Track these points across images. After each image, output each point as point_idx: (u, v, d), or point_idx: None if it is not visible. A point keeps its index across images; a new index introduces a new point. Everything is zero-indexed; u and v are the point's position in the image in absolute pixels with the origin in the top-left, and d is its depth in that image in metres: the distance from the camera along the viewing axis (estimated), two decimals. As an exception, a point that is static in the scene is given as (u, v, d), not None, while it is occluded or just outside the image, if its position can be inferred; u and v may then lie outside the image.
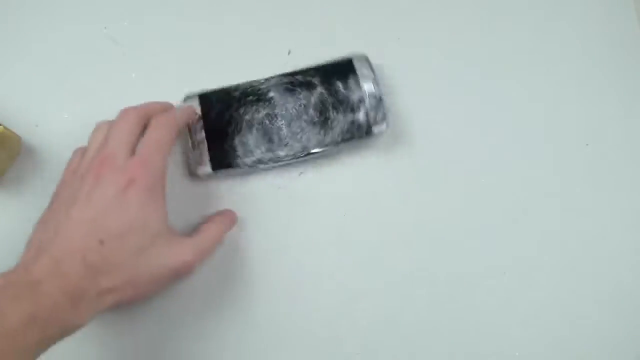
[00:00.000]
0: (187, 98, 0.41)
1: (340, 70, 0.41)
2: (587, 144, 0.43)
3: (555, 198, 0.41)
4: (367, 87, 0.40)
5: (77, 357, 0.37)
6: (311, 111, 0.40)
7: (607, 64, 0.44)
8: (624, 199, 0.41)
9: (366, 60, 0.41)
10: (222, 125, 0.40)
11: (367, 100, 0.40)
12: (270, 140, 0.40)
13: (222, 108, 0.40)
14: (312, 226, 0.40)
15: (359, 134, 0.39)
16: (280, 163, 0.40)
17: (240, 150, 0.40)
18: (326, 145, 0.39)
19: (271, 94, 0.40)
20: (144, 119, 0.36)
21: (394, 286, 0.39)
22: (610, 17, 0.45)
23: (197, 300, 0.39)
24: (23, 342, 0.28)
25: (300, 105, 0.40)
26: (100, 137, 0.35)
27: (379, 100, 0.40)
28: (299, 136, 0.40)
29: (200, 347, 0.38)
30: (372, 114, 0.39)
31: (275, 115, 0.40)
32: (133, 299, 0.33)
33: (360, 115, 0.39)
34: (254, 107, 0.40)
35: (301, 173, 0.41)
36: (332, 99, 0.40)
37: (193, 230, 0.38)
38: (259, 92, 0.40)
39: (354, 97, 0.40)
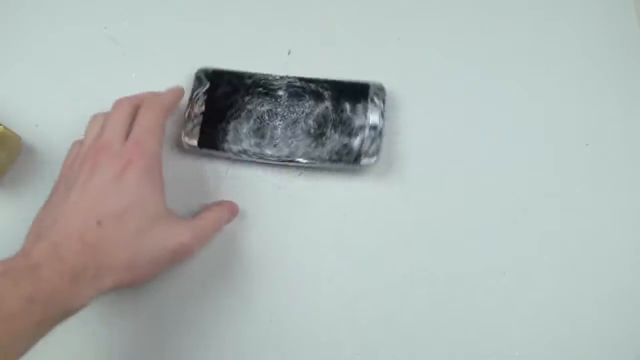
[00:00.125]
0: (201, 71, 0.41)
1: (354, 92, 0.40)
2: (587, 144, 0.43)
3: (555, 198, 0.41)
4: (373, 117, 0.40)
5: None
6: (311, 121, 0.40)
7: (607, 64, 0.44)
8: (624, 199, 0.41)
9: (382, 91, 0.41)
10: (223, 106, 0.40)
11: (367, 130, 0.39)
12: (262, 136, 0.40)
13: (229, 90, 0.40)
14: (312, 226, 0.40)
15: (347, 159, 0.39)
16: (263, 160, 0.40)
17: (230, 136, 0.40)
18: (312, 159, 0.39)
19: (280, 93, 0.40)
20: (137, 107, 0.37)
21: (393, 286, 0.39)
22: (610, 17, 0.45)
23: (197, 302, 0.39)
24: (23, 325, 0.29)
25: (302, 112, 0.40)
26: (96, 128, 0.36)
27: (378, 134, 0.39)
28: (290, 141, 0.40)
29: (200, 346, 0.38)
30: (366, 144, 0.39)
31: (276, 114, 0.40)
32: (132, 282, 0.33)
33: (355, 142, 0.39)
34: (260, 100, 0.40)
35: (301, 173, 0.41)
36: (334, 117, 0.40)
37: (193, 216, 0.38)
38: (270, 87, 0.41)
39: (357, 122, 0.40)
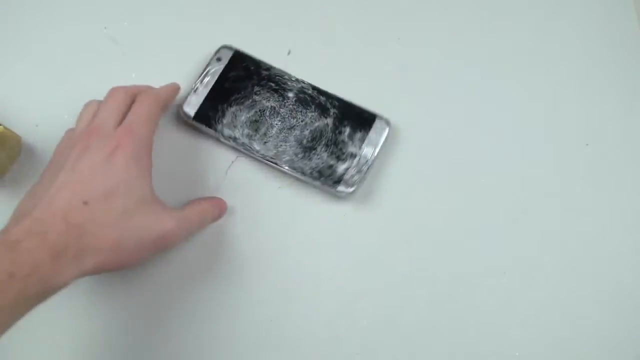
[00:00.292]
0: (224, 47, 0.41)
1: (359, 119, 0.40)
2: (587, 144, 0.43)
3: (555, 198, 0.41)
4: (367, 150, 0.40)
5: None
6: (306, 132, 0.40)
7: (607, 64, 0.44)
8: (624, 199, 0.41)
9: (387, 126, 0.40)
10: (231, 88, 0.40)
11: (356, 160, 0.39)
12: (257, 130, 0.40)
13: (243, 75, 0.41)
14: (311, 226, 0.40)
15: (326, 180, 0.39)
16: (248, 152, 0.40)
17: (227, 119, 0.40)
18: (293, 169, 0.39)
19: (290, 94, 0.40)
20: (132, 97, 0.37)
21: (393, 286, 0.39)
22: (610, 17, 0.45)
23: (197, 302, 0.39)
24: (1, 302, 0.28)
25: (302, 121, 0.40)
26: (89, 114, 0.36)
27: (366, 168, 0.39)
28: (279, 144, 0.40)
29: (200, 346, 0.38)
30: (350, 173, 0.39)
31: (278, 114, 0.40)
32: (117, 264, 0.33)
33: (340, 167, 0.39)
34: (268, 95, 0.40)
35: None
36: (331, 136, 0.40)
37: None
38: (283, 85, 0.41)
39: (349, 149, 0.40)
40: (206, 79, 0.40)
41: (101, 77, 0.42)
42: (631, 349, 0.39)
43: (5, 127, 0.38)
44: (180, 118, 0.41)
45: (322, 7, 0.45)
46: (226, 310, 0.39)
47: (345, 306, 0.39)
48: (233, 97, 0.40)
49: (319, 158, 0.39)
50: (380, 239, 0.40)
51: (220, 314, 0.39)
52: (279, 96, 0.41)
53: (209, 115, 0.40)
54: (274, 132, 0.40)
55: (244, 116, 0.40)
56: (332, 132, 0.40)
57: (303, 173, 0.39)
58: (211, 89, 0.40)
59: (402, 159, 0.42)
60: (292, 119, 0.40)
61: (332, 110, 0.40)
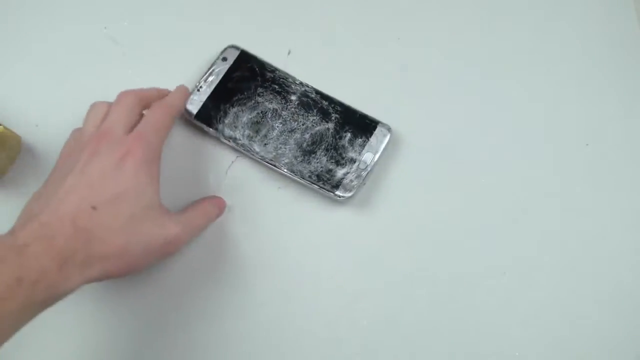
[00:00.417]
0: (230, 47, 0.41)
1: (361, 125, 0.40)
2: (587, 144, 0.43)
3: (555, 198, 0.41)
4: (367, 156, 0.40)
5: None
6: (307, 136, 0.40)
7: (607, 64, 0.44)
8: (624, 199, 0.41)
9: (388, 133, 0.40)
10: (235, 88, 0.40)
11: (356, 165, 0.39)
12: (257, 132, 0.40)
13: (248, 75, 0.41)
14: (312, 226, 0.40)
15: (325, 185, 0.39)
16: (248, 154, 0.40)
17: (228, 120, 0.40)
18: (292, 171, 0.39)
19: (293, 97, 0.41)
20: (142, 102, 0.37)
21: (394, 286, 0.39)
22: (610, 17, 0.45)
23: (196, 302, 0.39)
24: (9, 307, 0.28)
25: (303, 124, 0.40)
26: (97, 116, 0.36)
27: (365, 173, 0.39)
28: (279, 146, 0.40)
29: (200, 346, 0.38)
30: (349, 178, 0.39)
31: (279, 116, 0.40)
32: (124, 270, 0.33)
33: (339, 172, 0.39)
34: (271, 97, 0.40)
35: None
36: (331, 140, 0.40)
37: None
38: (287, 88, 0.41)
39: (349, 154, 0.40)
40: (210, 78, 0.40)
41: (101, 77, 0.42)
42: (631, 349, 0.39)
43: (5, 127, 0.38)
44: (182, 116, 0.41)
45: (322, 7, 0.45)
46: (229, 312, 0.39)
47: (345, 306, 0.39)
48: (236, 98, 0.40)
49: (318, 162, 0.39)
50: (380, 239, 0.40)
51: (219, 314, 0.39)
52: (282, 99, 0.41)
53: (211, 114, 0.40)
54: (274, 134, 0.40)
55: (245, 117, 0.40)
56: (333, 136, 0.40)
57: (302, 176, 0.39)
58: (214, 88, 0.40)
59: (402, 160, 0.42)
60: (293, 122, 0.40)
61: (334, 115, 0.40)
